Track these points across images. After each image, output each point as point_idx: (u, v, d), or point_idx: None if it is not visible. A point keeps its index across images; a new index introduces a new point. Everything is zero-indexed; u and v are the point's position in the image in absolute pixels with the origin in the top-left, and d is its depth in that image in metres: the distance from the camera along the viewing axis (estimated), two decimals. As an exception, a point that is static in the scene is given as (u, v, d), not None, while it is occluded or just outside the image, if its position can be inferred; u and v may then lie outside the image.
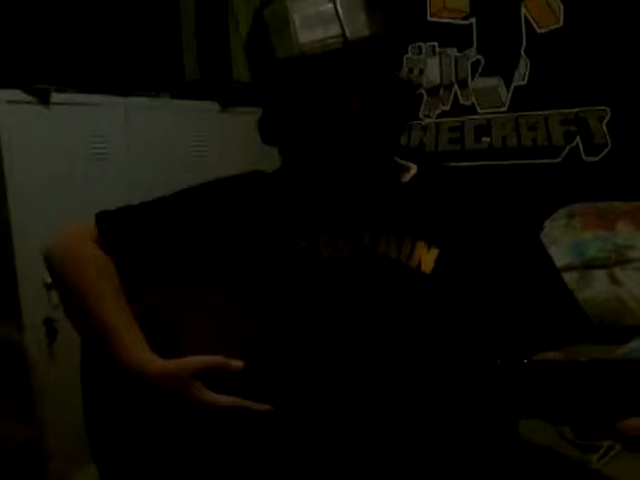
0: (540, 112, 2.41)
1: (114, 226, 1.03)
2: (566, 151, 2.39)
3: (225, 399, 0.87)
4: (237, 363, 0.89)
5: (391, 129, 0.96)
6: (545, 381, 0.74)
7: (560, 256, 1.93)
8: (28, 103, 1.88)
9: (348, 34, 0.89)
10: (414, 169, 1.04)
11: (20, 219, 1.84)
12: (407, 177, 1.03)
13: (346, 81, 0.90)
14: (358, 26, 0.90)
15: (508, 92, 2.48)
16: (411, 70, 2.64)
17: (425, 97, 2.63)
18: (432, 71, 2.61)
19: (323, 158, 0.95)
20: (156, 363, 0.91)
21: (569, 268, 1.94)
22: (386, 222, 0.96)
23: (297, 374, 0.89)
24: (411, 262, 0.93)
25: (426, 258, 0.93)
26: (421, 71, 2.63)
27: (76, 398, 1.02)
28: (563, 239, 2.05)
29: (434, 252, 0.93)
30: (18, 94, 1.85)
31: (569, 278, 1.95)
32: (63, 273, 1.01)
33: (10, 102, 1.82)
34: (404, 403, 0.84)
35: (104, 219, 1.04)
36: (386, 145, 0.97)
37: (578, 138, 2.36)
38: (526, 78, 2.44)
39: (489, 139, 2.53)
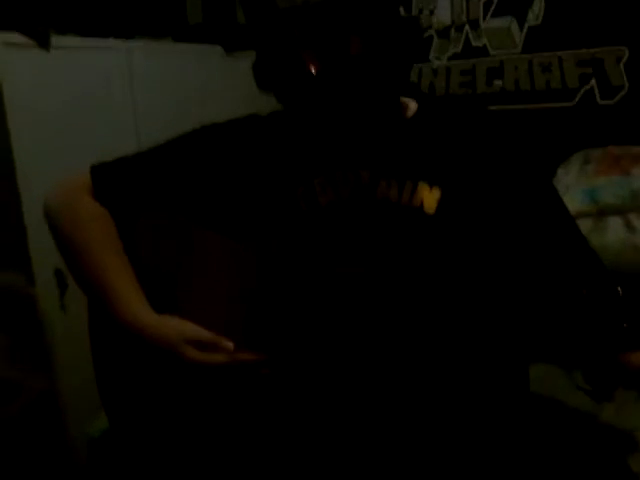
0: (554, 53, 2.33)
1: (109, 179, 1.02)
2: (581, 94, 2.32)
3: (217, 357, 0.88)
4: (227, 344, 0.89)
5: (393, 74, 0.93)
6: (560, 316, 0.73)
7: (574, 202, 1.90)
8: (27, 46, 1.81)
9: None
10: (416, 106, 1.01)
11: (25, 169, 1.81)
12: (409, 115, 1.00)
13: (345, 27, 0.87)
14: None
15: (521, 32, 2.40)
16: (421, 10, 2.55)
17: (435, 39, 2.54)
18: (443, 11, 2.52)
19: (322, 105, 0.92)
20: (150, 320, 0.92)
21: (583, 215, 1.91)
22: (387, 162, 0.94)
23: (298, 325, 0.88)
24: (413, 203, 0.92)
25: (429, 199, 0.92)
26: (431, 12, 2.54)
27: (87, 349, 1.03)
28: (577, 185, 2.02)
29: (436, 192, 0.92)
30: (17, 37, 1.78)
31: (583, 225, 1.92)
32: (61, 228, 1.01)
33: (8, 44, 1.75)
34: (410, 349, 0.83)
35: (99, 172, 1.03)
36: (388, 90, 0.94)
37: (594, 80, 2.29)
38: (540, 18, 2.35)
39: (501, 82, 2.46)
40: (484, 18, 2.45)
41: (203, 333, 0.89)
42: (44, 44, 1.84)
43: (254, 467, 0.92)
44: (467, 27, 2.50)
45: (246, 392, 0.90)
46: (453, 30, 2.52)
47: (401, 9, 1.01)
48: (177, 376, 0.92)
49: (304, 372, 0.88)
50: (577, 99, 2.33)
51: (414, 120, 0.99)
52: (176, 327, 0.90)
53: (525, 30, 2.38)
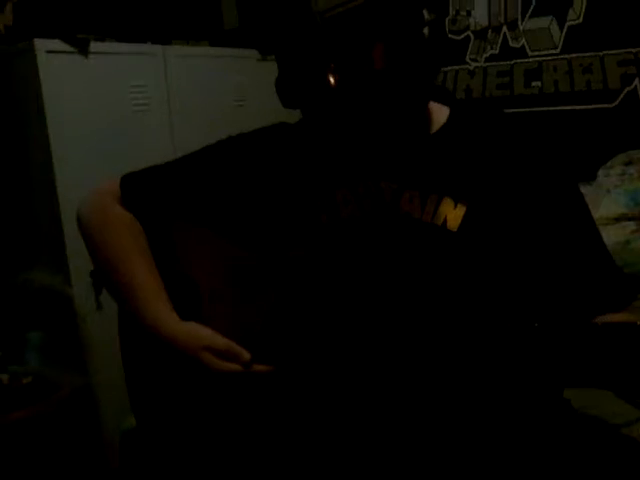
0: (596, 53, 2.28)
1: (136, 188, 1.04)
2: (623, 95, 2.26)
3: (232, 366, 0.89)
4: (246, 355, 0.90)
5: (417, 85, 0.90)
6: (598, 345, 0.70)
7: (616, 205, 1.85)
8: (68, 53, 1.86)
9: None
10: (446, 114, 0.97)
11: (63, 171, 1.85)
12: (437, 126, 0.96)
13: (367, 39, 0.85)
14: None
15: (561, 32, 2.34)
16: (457, 12, 2.52)
17: (472, 40, 2.51)
18: (480, 12, 2.48)
19: (344, 118, 0.91)
20: (172, 325, 0.93)
21: (624, 218, 1.86)
22: (411, 175, 0.92)
23: (315, 337, 0.88)
24: (435, 219, 0.89)
25: (452, 215, 0.89)
26: (468, 12, 2.50)
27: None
28: (618, 188, 1.96)
29: (461, 209, 0.89)
30: (58, 44, 1.84)
31: (624, 228, 1.88)
32: (91, 233, 1.03)
33: (50, 52, 1.80)
34: (431, 366, 0.81)
35: (127, 181, 1.05)
36: (412, 101, 0.91)
37: (637, 80, 2.22)
38: (582, 16, 2.29)
39: (540, 83, 2.41)
40: (522, 19, 2.41)
41: (221, 341, 0.91)
42: (84, 50, 1.89)
43: (263, 465, 0.92)
44: (505, 28, 2.45)
45: (257, 395, 0.91)
46: (490, 31, 2.48)
47: (425, 12, 0.96)
48: (195, 378, 0.93)
49: (321, 382, 0.88)
50: (619, 100, 2.26)
51: (443, 130, 0.96)
52: (196, 334, 0.92)
53: (565, 29, 2.33)
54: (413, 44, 0.87)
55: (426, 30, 0.89)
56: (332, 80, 0.86)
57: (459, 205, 0.89)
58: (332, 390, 0.88)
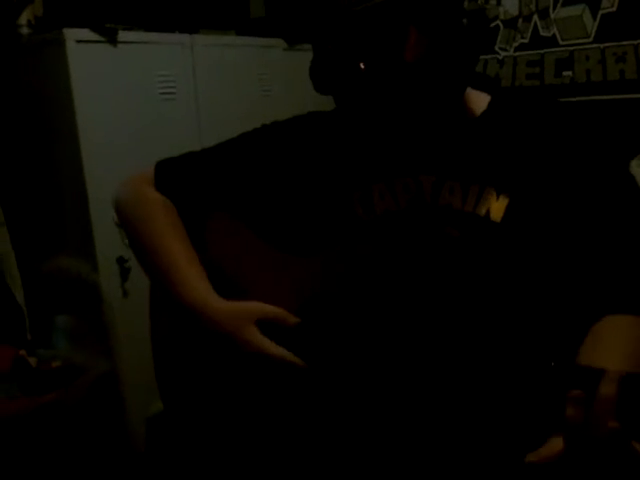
0: (630, 42, 2.22)
1: (171, 175, 1.04)
2: (658, 84, 2.20)
3: (275, 349, 0.87)
4: (295, 319, 0.89)
5: (456, 76, 0.88)
6: None
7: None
8: (97, 42, 1.87)
9: None
10: (486, 102, 0.94)
11: (91, 160, 1.87)
12: (477, 112, 0.93)
13: (404, 27, 0.83)
14: None
15: (594, 21, 2.29)
16: (487, 1, 2.48)
17: (502, 29, 2.47)
18: (510, 1, 2.44)
19: (380, 110, 0.89)
20: (216, 301, 0.92)
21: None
22: (451, 166, 0.90)
23: (353, 334, 0.86)
24: (478, 210, 0.87)
25: (495, 206, 0.87)
26: (498, 1, 2.46)
27: (147, 332, 1.05)
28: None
29: (504, 201, 0.86)
30: (87, 33, 1.85)
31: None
32: (129, 215, 1.03)
33: (79, 42, 1.82)
34: (474, 364, 0.79)
35: (161, 167, 1.05)
36: (450, 91, 0.89)
37: (672, 70, 2.17)
38: (616, 4, 2.24)
39: (571, 73, 2.36)
40: (554, 7, 2.36)
41: (270, 308, 0.89)
42: (112, 40, 1.90)
43: (284, 457, 0.92)
44: (536, 17, 2.41)
45: (285, 387, 0.90)
46: (521, 20, 2.44)
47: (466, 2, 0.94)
48: (227, 365, 0.93)
49: (349, 381, 0.87)
50: (653, 90, 2.21)
51: (483, 118, 0.93)
52: (244, 308, 0.90)
53: (598, 18, 2.28)
54: (450, 36, 0.85)
55: (465, 20, 0.87)
56: (366, 72, 0.85)
57: (502, 196, 0.87)
58: (359, 390, 0.86)
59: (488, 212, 0.87)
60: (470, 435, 0.83)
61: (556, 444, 0.70)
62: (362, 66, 0.84)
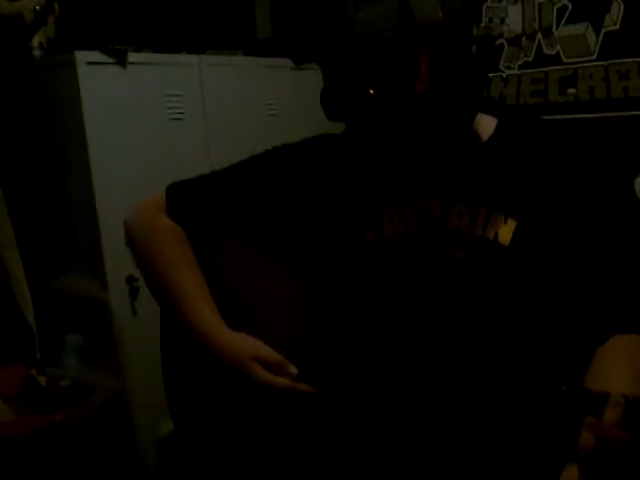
0: (634, 59, 2.24)
1: (180, 199, 1.05)
2: (662, 102, 2.22)
3: (281, 381, 0.88)
4: (293, 369, 0.90)
5: (463, 105, 0.89)
6: None
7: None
8: (106, 64, 1.90)
9: (417, 20, 0.81)
10: (493, 125, 0.95)
11: (101, 179, 1.89)
12: (484, 137, 0.94)
13: (411, 61, 0.83)
14: (427, 10, 0.81)
15: (597, 39, 2.31)
16: (491, 19, 2.50)
17: (506, 47, 2.49)
18: (514, 19, 2.46)
19: (390, 136, 0.90)
20: (222, 334, 0.93)
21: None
22: (460, 190, 0.91)
23: (361, 356, 0.87)
24: (486, 233, 0.88)
25: (503, 230, 0.87)
26: (502, 20, 2.48)
27: (157, 352, 1.06)
28: (656, 197, 1.92)
29: (512, 224, 0.87)
30: (97, 55, 1.88)
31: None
32: (138, 244, 1.04)
33: (89, 63, 1.85)
34: (483, 387, 0.79)
35: (173, 192, 1.06)
36: (459, 117, 0.90)
37: (676, 87, 2.18)
38: (619, 22, 2.26)
39: (575, 90, 2.38)
40: (557, 25, 2.38)
41: (271, 353, 0.90)
42: (122, 61, 1.93)
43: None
44: (539, 35, 2.43)
45: (295, 412, 0.91)
46: (524, 38, 2.46)
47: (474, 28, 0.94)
48: (237, 389, 0.93)
49: (357, 406, 0.87)
50: (657, 107, 2.22)
51: (490, 142, 0.94)
52: (247, 343, 0.92)
53: (602, 35, 2.30)
54: (461, 64, 0.85)
55: (474, 47, 0.87)
56: (376, 100, 0.85)
57: (510, 220, 0.88)
58: (368, 415, 0.86)
59: (496, 235, 0.88)
60: (480, 460, 0.83)
61: (572, 473, 0.70)
62: (372, 92, 0.85)
